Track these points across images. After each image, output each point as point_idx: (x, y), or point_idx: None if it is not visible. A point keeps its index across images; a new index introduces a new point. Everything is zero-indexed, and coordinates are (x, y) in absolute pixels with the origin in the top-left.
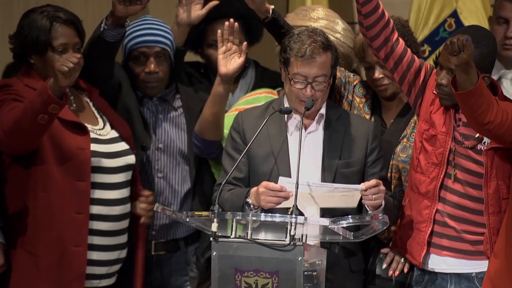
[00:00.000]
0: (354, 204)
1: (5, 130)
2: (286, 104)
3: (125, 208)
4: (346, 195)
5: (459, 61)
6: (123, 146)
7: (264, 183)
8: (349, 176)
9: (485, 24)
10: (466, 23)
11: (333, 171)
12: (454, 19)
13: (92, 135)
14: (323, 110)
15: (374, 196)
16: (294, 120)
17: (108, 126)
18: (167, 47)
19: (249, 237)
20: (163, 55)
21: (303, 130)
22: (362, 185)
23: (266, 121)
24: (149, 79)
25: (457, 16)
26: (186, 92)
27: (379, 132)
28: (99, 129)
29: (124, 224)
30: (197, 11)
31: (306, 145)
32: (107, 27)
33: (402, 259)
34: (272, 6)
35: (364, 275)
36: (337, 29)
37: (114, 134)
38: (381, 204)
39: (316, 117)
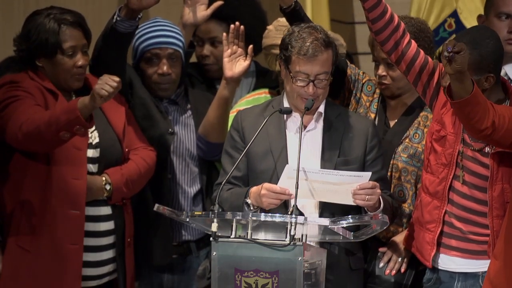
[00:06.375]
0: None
1: (23, 131)
2: (286, 103)
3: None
4: (349, 189)
5: (452, 71)
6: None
7: (266, 185)
8: None
9: None
10: (466, 23)
11: (332, 169)
12: (454, 19)
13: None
14: (321, 109)
15: (367, 197)
16: (294, 119)
17: (95, 132)
18: (180, 49)
19: (249, 237)
20: (176, 56)
21: (303, 128)
22: (367, 174)
23: (266, 120)
24: (161, 80)
25: (457, 16)
26: (195, 93)
27: (380, 131)
28: (91, 132)
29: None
30: (202, 12)
31: (305, 143)
32: (119, 19)
33: (399, 258)
34: None
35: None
36: None
37: (97, 140)
38: (380, 205)
39: (315, 116)
